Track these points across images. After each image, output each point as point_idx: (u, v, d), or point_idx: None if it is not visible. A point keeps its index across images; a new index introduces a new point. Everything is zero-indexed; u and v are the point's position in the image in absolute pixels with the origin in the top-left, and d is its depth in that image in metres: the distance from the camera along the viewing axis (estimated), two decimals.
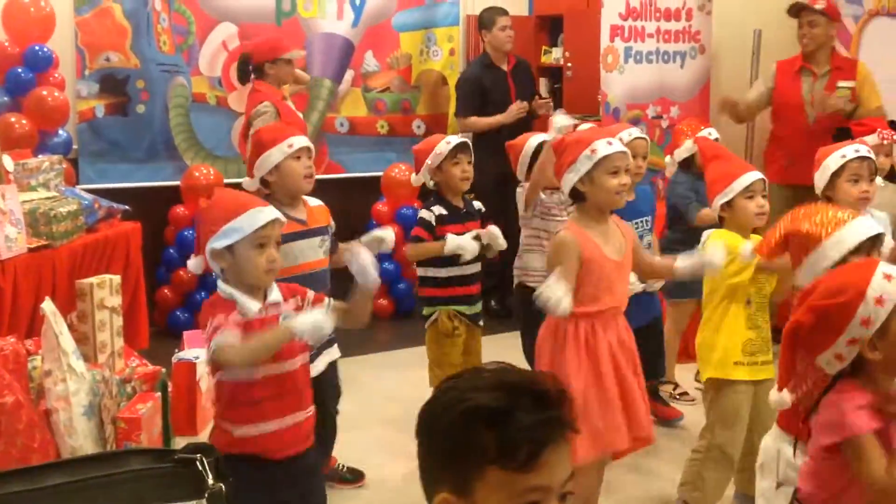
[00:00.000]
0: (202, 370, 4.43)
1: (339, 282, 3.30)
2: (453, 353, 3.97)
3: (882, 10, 5.39)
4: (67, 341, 3.73)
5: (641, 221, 4.08)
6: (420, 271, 4.05)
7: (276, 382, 2.59)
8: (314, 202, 3.49)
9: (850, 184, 3.36)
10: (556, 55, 6.67)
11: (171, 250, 5.87)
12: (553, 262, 3.05)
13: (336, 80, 6.50)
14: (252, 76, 5.24)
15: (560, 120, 3.80)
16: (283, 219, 2.72)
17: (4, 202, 4.06)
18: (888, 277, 2.02)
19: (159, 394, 4.05)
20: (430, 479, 1.35)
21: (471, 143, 4.12)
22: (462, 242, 3.87)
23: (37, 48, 5.35)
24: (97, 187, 5.43)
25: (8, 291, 4.00)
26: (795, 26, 5.27)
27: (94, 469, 1.52)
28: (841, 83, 5.15)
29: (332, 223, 3.53)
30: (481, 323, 4.11)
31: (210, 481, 1.55)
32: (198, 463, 1.56)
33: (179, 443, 3.95)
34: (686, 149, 4.51)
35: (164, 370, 4.21)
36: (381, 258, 3.38)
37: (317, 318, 2.50)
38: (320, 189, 3.63)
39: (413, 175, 4.15)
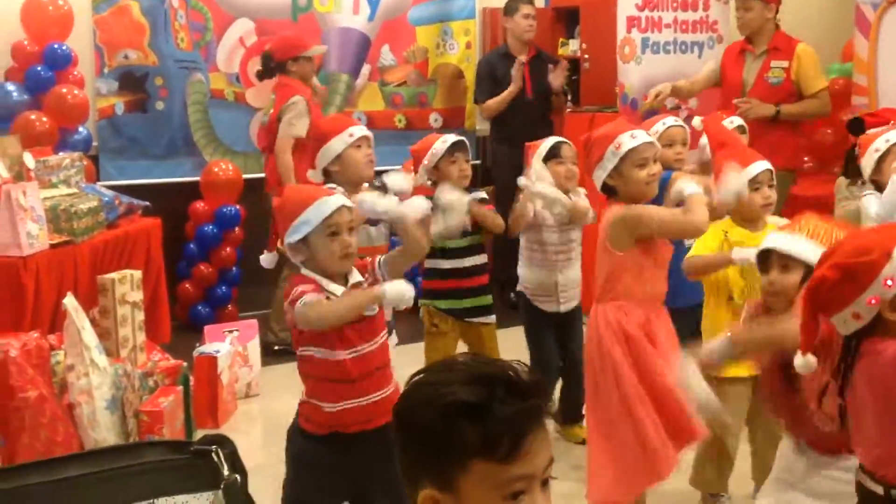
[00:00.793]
0: (223, 364, 4.47)
1: None
2: (437, 350, 3.89)
3: None
4: (90, 336, 3.77)
5: None
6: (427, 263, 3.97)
7: (363, 361, 2.66)
8: None
9: None
10: (573, 47, 6.65)
11: (192, 245, 5.91)
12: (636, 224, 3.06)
13: (353, 74, 6.52)
14: (276, 73, 5.27)
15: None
16: (351, 204, 2.74)
17: (26, 199, 4.10)
18: None
19: (181, 387, 4.10)
20: (411, 476, 1.35)
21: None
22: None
23: (56, 46, 5.38)
24: (117, 184, 5.46)
25: (30, 287, 4.04)
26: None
27: (110, 461, 1.53)
28: (774, 63, 5.14)
29: None
30: (490, 318, 4.00)
31: (226, 472, 1.56)
32: (213, 455, 1.57)
33: (201, 435, 3.98)
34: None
35: (185, 364, 4.25)
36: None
37: (402, 284, 2.59)
38: None
39: (413, 175, 4.12)
